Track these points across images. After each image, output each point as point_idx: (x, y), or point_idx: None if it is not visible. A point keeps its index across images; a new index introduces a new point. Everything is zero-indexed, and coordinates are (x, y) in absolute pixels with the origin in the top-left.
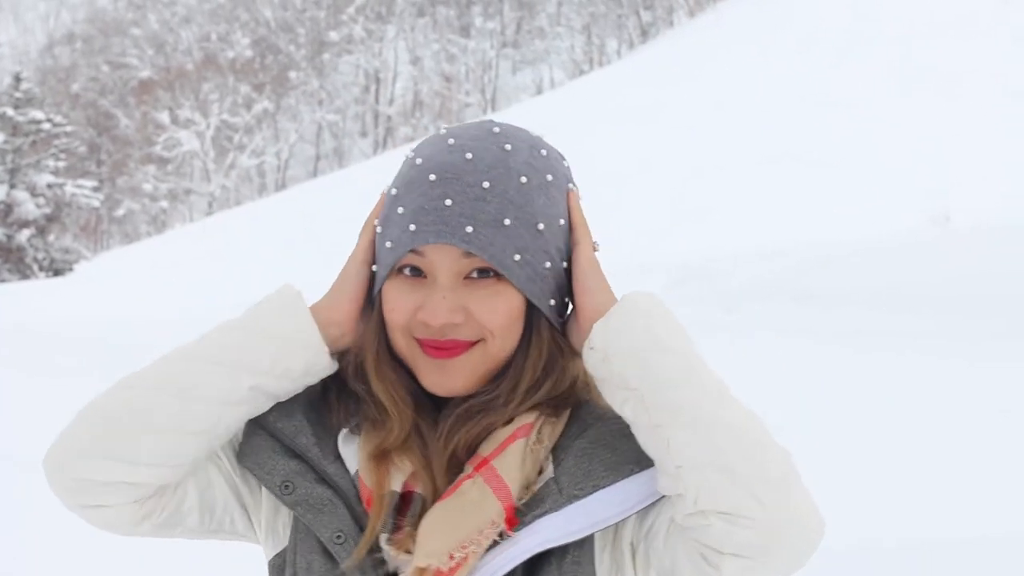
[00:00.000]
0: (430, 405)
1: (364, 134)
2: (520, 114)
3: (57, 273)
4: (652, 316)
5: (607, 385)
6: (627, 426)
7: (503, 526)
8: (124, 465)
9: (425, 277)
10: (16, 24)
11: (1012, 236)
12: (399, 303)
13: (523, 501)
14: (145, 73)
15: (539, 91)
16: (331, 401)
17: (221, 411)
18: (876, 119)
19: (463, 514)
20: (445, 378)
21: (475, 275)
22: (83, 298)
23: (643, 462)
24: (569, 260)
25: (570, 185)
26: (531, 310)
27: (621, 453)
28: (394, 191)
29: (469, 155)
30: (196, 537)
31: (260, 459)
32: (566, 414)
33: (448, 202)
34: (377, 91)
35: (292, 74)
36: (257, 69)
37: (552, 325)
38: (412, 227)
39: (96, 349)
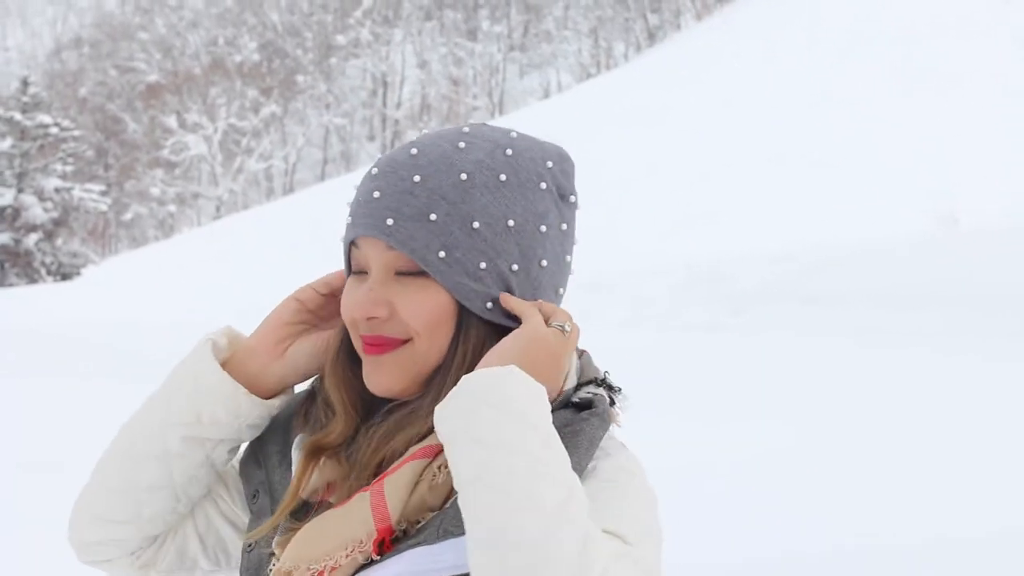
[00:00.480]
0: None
1: (371, 138)
2: (527, 117)
3: (65, 277)
4: (475, 400)
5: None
6: None
7: (370, 548)
8: (102, 524)
9: (366, 274)
10: (24, 28)
11: (1018, 236)
12: (345, 300)
13: (403, 527)
14: (152, 77)
15: (546, 94)
16: (306, 406)
17: (167, 465)
18: (880, 119)
19: (336, 527)
20: (378, 375)
21: (406, 271)
22: (91, 302)
23: None
24: (531, 264)
25: (542, 185)
26: (464, 312)
27: None
28: None
29: (414, 151)
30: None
31: (246, 470)
32: None
33: (376, 194)
34: (384, 95)
35: (299, 78)
36: (264, 73)
37: (489, 329)
38: (349, 220)
39: (105, 353)
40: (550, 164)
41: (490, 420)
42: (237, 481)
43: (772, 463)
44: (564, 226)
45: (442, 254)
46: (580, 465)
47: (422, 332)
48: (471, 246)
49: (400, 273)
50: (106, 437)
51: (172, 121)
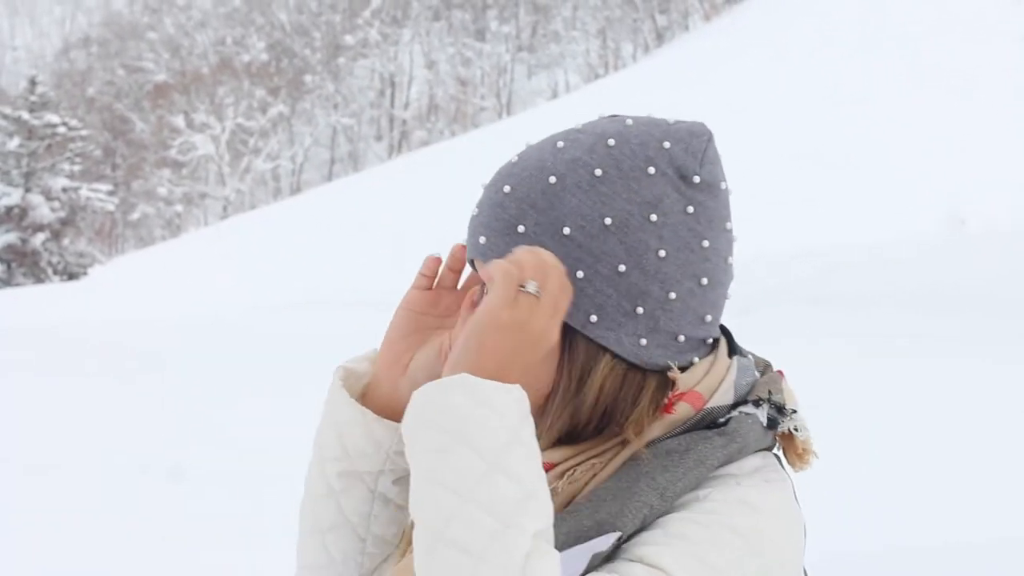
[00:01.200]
0: None
1: (379, 138)
2: (535, 118)
3: (72, 277)
4: (421, 415)
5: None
6: (631, 478)
7: None
8: (308, 572)
9: None
10: (32, 28)
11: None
12: None
13: None
14: (160, 77)
15: (554, 95)
16: None
17: (336, 502)
18: (889, 119)
19: None
20: None
21: None
22: (98, 302)
23: (592, 532)
24: (644, 259)
25: (650, 170)
26: (568, 331)
27: (589, 513)
28: None
29: (515, 158)
30: None
31: None
32: (616, 456)
33: (476, 211)
34: (392, 95)
35: (307, 78)
36: (272, 73)
37: (596, 342)
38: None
39: (113, 352)
40: (667, 144)
41: (424, 443)
42: None
43: None
44: (691, 208)
45: None
46: (673, 488)
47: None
48: (564, 255)
49: None
50: (108, 435)
51: (180, 121)
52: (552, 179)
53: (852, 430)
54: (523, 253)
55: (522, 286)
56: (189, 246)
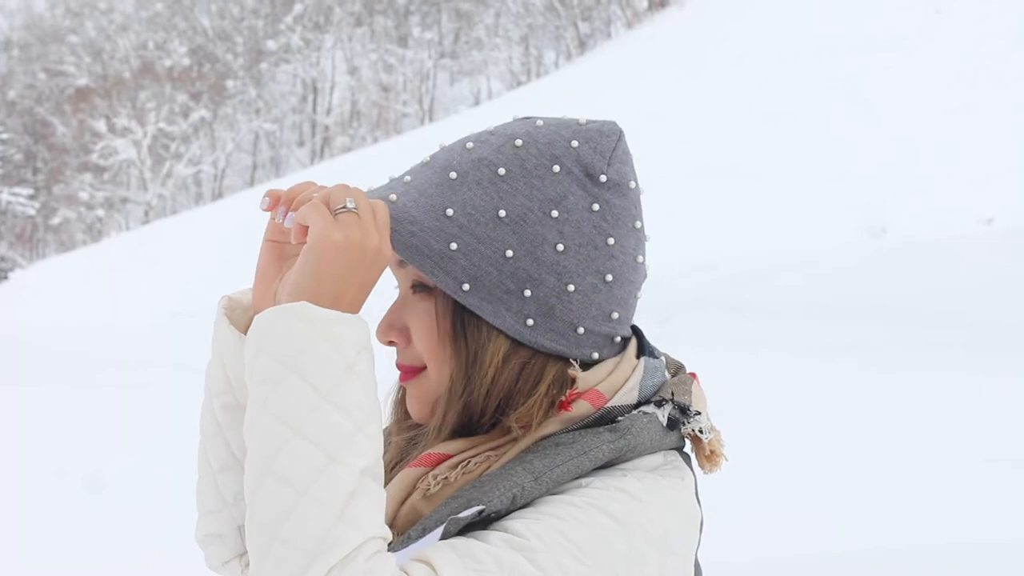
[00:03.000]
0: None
1: (301, 143)
2: (457, 124)
3: None
4: (261, 335)
5: None
6: (511, 465)
7: None
8: (204, 519)
9: None
10: None
11: (943, 246)
12: None
13: (394, 537)
14: (82, 81)
15: (477, 102)
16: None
17: (224, 440)
18: (807, 132)
19: None
20: (408, 404)
21: (418, 289)
22: (19, 306)
23: (456, 510)
24: (538, 250)
25: (555, 168)
26: (464, 320)
27: (462, 497)
28: None
29: (427, 159)
30: None
31: None
32: (509, 449)
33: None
34: (315, 101)
35: (229, 83)
36: (194, 77)
37: (488, 327)
38: None
39: (34, 356)
40: (575, 144)
41: (260, 371)
42: None
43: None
44: (596, 206)
45: (414, 241)
46: (550, 474)
47: (429, 358)
48: (440, 228)
49: (416, 292)
50: (24, 441)
51: (101, 125)
52: (453, 175)
53: (769, 435)
54: (328, 187)
55: (339, 208)
56: (111, 251)
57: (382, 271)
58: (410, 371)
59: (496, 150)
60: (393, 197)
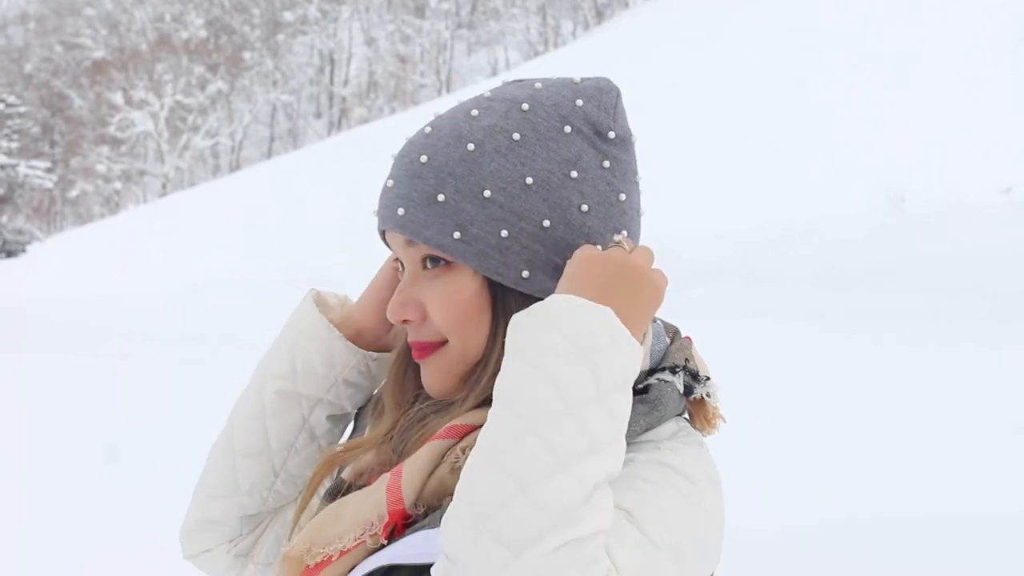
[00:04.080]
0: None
1: (319, 115)
2: (475, 95)
3: (10, 255)
4: (534, 324)
5: None
6: None
7: (379, 530)
8: (205, 502)
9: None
10: None
11: (959, 213)
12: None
13: (422, 511)
14: (99, 53)
15: (494, 72)
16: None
17: (263, 425)
18: (828, 102)
19: (353, 510)
20: (427, 379)
21: (429, 264)
22: (38, 279)
23: None
24: (567, 213)
25: (566, 129)
26: (499, 296)
27: None
28: None
29: (429, 129)
30: None
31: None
32: None
33: (390, 183)
34: (332, 72)
35: (246, 55)
36: (211, 50)
37: (528, 296)
38: (375, 212)
39: (52, 329)
40: (579, 103)
41: (547, 342)
42: None
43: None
44: (607, 163)
45: (457, 234)
46: None
47: (453, 332)
48: (487, 216)
49: (428, 267)
50: (44, 414)
51: (118, 98)
52: (471, 146)
53: (786, 404)
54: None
55: (611, 242)
56: (128, 224)
57: (656, 310)
58: (427, 347)
59: (504, 116)
60: (441, 197)
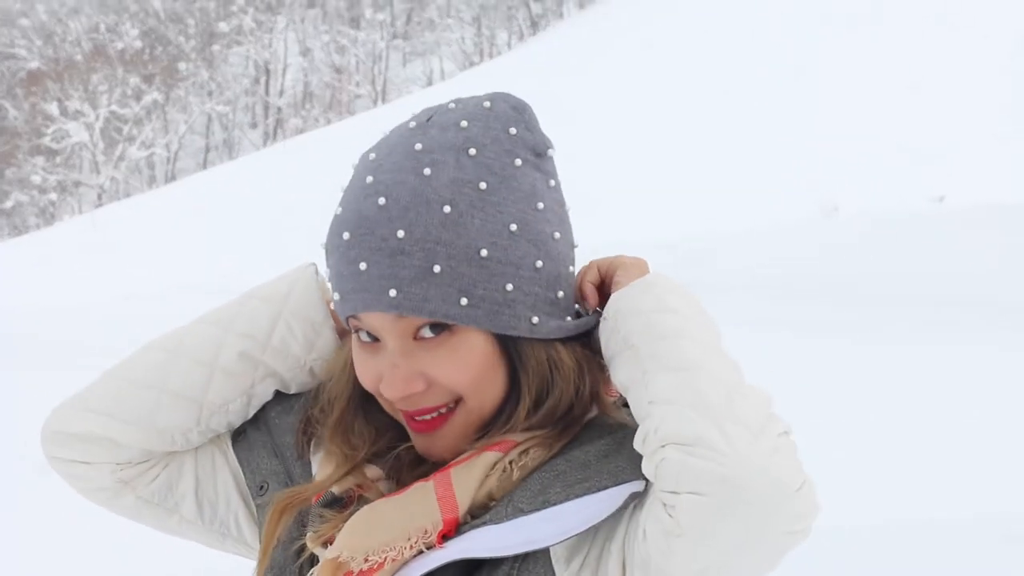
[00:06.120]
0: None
1: (254, 125)
2: (410, 106)
3: None
4: (660, 286)
5: (615, 355)
6: (613, 444)
7: (434, 538)
8: (100, 418)
9: (379, 340)
10: None
11: (891, 222)
12: (363, 372)
13: (467, 519)
14: (34, 64)
15: (429, 82)
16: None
17: (208, 374)
18: (762, 113)
19: (397, 517)
20: (433, 448)
21: (428, 332)
22: None
23: (609, 481)
24: (549, 247)
25: (516, 162)
26: (508, 341)
27: (593, 472)
28: (334, 217)
29: (382, 200)
30: (201, 537)
31: (250, 455)
32: (567, 436)
33: (363, 266)
34: (267, 82)
35: (182, 65)
36: (147, 60)
37: (540, 339)
38: (337, 296)
39: None
40: (513, 131)
41: (683, 298)
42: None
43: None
44: (552, 182)
45: (464, 300)
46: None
47: (469, 390)
48: (489, 275)
49: (420, 337)
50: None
51: (53, 108)
52: (447, 208)
53: None
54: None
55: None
56: (63, 234)
57: None
58: (438, 417)
59: (457, 167)
60: (437, 268)
